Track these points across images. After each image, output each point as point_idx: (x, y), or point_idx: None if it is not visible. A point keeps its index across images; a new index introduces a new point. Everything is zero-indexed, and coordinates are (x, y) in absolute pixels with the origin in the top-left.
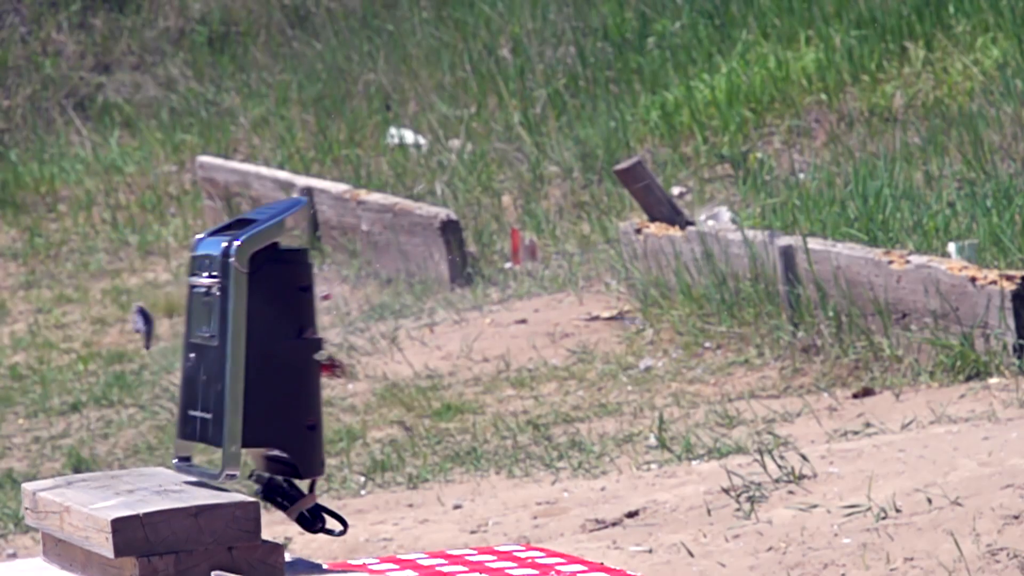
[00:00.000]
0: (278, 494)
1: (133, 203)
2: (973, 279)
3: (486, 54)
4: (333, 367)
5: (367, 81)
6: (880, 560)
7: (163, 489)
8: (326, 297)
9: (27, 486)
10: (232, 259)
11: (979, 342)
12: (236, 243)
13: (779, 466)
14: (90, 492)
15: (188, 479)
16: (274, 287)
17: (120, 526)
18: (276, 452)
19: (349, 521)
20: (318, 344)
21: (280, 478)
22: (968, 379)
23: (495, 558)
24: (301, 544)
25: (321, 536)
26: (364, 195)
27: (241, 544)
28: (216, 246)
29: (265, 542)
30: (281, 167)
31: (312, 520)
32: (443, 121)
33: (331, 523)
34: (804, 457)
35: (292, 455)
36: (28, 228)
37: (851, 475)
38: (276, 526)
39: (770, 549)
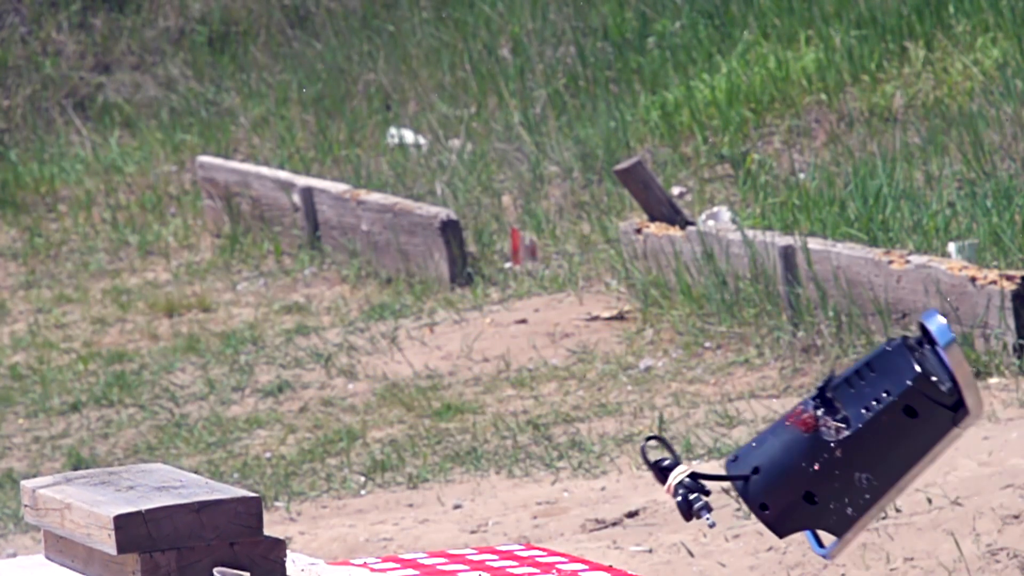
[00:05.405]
0: None
1: (133, 203)
2: (973, 279)
3: (486, 54)
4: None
5: (367, 81)
6: (880, 560)
7: (163, 485)
8: None
9: (26, 483)
10: None
11: (979, 342)
12: None
13: None
14: (90, 489)
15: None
16: None
17: (122, 523)
18: None
19: (349, 521)
20: None
21: None
22: None
23: (496, 557)
24: (302, 544)
25: (321, 535)
26: (364, 195)
27: (243, 540)
28: None
29: (267, 538)
30: (281, 167)
31: None
32: (443, 121)
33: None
34: None
35: None
36: (28, 228)
37: None
38: (277, 525)
39: (770, 549)
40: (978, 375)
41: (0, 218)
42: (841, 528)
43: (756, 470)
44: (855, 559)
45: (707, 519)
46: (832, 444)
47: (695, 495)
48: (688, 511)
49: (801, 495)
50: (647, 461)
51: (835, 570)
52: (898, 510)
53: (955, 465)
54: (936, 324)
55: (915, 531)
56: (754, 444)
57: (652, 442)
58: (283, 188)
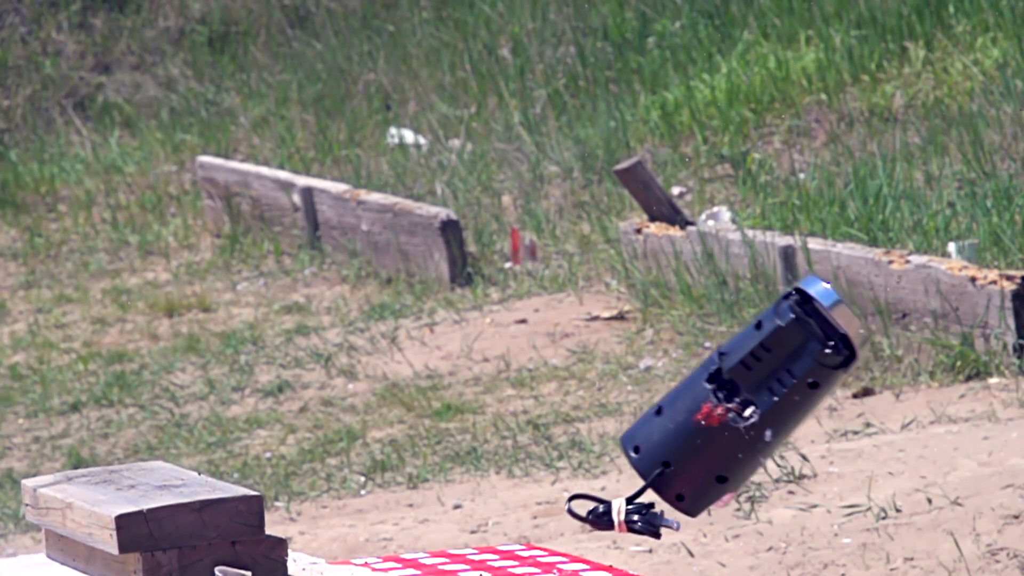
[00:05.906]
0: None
1: (133, 203)
2: (973, 279)
3: (486, 54)
4: None
5: (367, 81)
6: (880, 560)
7: (165, 484)
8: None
9: (27, 482)
10: None
11: (979, 342)
12: None
13: (779, 466)
14: (91, 488)
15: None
16: None
17: (124, 522)
18: None
19: (349, 521)
20: None
21: None
22: (968, 379)
23: (497, 557)
24: (302, 544)
25: (321, 535)
26: (364, 195)
27: (245, 539)
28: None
29: (269, 537)
30: (281, 167)
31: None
32: (443, 121)
33: None
34: (804, 457)
35: None
36: (28, 228)
37: (851, 475)
38: (277, 525)
39: (770, 549)
40: (978, 375)
41: (0, 218)
42: (740, 484)
43: (667, 463)
44: (855, 559)
45: (672, 525)
46: (742, 430)
47: (647, 514)
48: (654, 530)
49: (714, 479)
50: (580, 518)
51: (835, 570)
52: (898, 510)
53: (955, 465)
54: (819, 289)
55: (915, 531)
56: (655, 432)
57: (575, 501)
58: (283, 188)
